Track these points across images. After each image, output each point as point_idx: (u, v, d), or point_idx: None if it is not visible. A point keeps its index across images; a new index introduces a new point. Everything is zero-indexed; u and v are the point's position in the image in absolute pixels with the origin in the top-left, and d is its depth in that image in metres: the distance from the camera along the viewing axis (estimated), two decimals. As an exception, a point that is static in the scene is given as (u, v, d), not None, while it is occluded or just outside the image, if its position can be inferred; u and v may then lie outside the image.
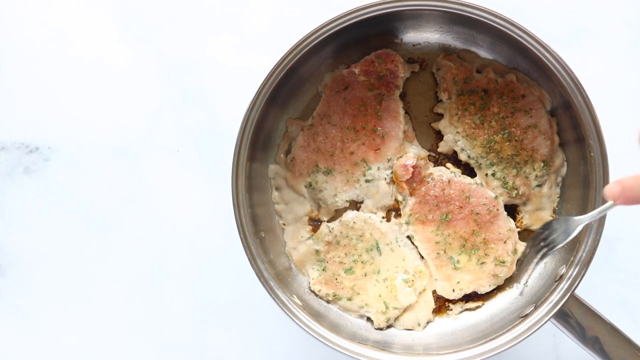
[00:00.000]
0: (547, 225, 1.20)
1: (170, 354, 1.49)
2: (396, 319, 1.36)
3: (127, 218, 1.50)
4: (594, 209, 1.23)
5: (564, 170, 1.35)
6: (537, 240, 1.22)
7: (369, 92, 1.36)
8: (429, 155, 1.39)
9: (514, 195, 1.34)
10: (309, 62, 1.31)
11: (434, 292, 1.37)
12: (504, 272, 1.33)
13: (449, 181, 1.33)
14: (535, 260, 1.22)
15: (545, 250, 1.20)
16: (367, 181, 1.37)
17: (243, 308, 1.48)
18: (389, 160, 1.37)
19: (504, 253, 1.32)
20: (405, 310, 1.36)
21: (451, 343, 1.30)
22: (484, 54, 1.35)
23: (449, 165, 1.37)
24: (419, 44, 1.38)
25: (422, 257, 1.37)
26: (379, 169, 1.37)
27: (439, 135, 1.39)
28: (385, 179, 1.37)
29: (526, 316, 1.25)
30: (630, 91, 1.48)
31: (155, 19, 1.52)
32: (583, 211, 1.27)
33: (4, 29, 1.53)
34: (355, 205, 1.40)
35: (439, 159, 1.40)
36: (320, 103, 1.39)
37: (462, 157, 1.35)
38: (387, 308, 1.34)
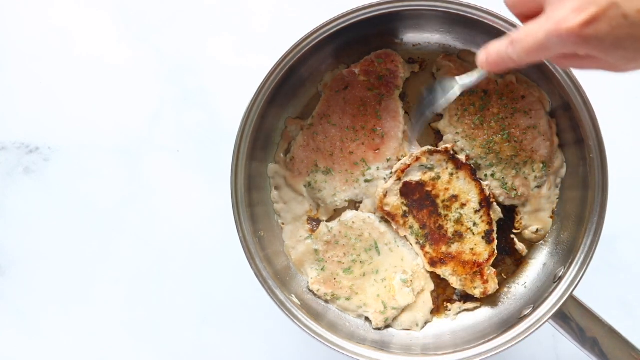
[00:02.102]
0: (429, 88, 1.13)
1: (170, 354, 1.49)
2: (394, 319, 1.36)
3: (127, 218, 1.50)
4: (593, 210, 1.23)
5: (563, 171, 1.34)
6: (421, 104, 1.17)
7: (369, 92, 1.36)
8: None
9: (513, 196, 1.34)
10: (309, 62, 1.31)
11: (433, 292, 1.38)
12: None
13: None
14: (420, 120, 1.16)
15: (426, 110, 1.13)
16: (366, 181, 1.37)
17: (242, 307, 1.48)
18: (388, 160, 1.37)
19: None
20: (403, 310, 1.36)
21: (449, 343, 1.30)
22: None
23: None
24: (419, 44, 1.38)
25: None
26: (378, 169, 1.37)
27: (439, 136, 1.39)
28: (385, 178, 1.37)
29: (525, 317, 1.25)
30: (630, 92, 1.48)
31: (155, 19, 1.52)
32: (582, 212, 1.27)
33: (4, 29, 1.53)
34: (355, 205, 1.40)
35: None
36: (320, 103, 1.39)
37: (461, 157, 1.35)
38: (385, 308, 1.34)
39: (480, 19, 1.23)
